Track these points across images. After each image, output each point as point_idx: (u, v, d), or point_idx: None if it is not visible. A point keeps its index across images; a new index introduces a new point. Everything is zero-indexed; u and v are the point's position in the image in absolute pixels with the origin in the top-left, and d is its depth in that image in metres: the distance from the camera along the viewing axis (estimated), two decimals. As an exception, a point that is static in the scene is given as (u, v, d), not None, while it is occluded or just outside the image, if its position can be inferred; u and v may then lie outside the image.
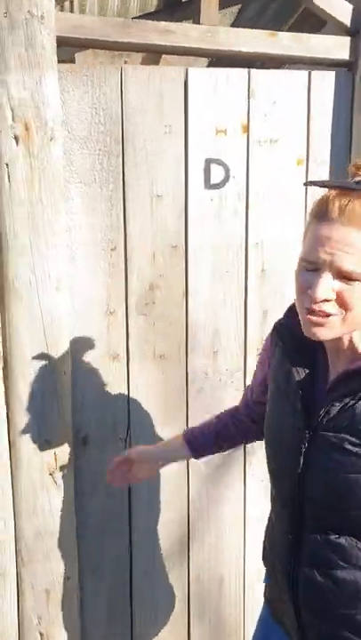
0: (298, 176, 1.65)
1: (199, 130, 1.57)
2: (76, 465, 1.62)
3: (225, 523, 1.78)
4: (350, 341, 1.03)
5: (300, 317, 1.01)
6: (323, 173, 1.66)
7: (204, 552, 1.78)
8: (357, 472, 0.98)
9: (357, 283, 0.93)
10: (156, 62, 2.96)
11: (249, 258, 1.66)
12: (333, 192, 0.97)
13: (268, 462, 1.15)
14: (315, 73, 1.61)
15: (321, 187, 1.02)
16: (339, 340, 1.02)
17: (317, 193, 1.01)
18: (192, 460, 1.69)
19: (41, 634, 1.62)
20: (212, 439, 1.35)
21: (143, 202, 1.58)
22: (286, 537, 1.09)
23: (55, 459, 1.55)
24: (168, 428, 1.68)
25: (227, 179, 1.60)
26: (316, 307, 0.94)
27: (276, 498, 1.13)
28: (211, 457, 1.45)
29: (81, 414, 1.62)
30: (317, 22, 2.29)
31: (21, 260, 1.41)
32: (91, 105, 1.52)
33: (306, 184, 1.14)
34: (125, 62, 3.14)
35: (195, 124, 1.57)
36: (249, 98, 1.58)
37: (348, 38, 1.59)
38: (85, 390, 1.62)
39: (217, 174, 1.60)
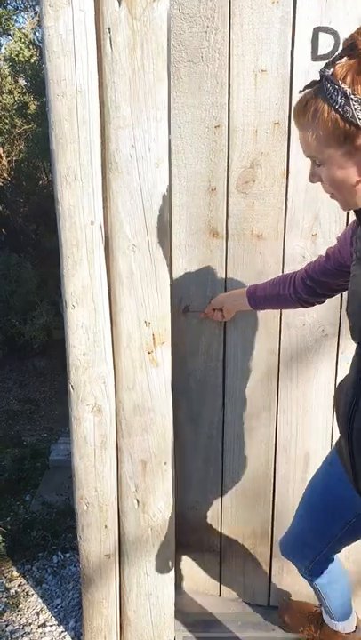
0: None
1: (309, -4, 1.51)
2: (179, 331, 1.79)
3: (312, 403, 1.85)
4: None
5: None
6: None
7: (291, 426, 1.87)
8: None
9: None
10: None
11: (356, 136, 1.59)
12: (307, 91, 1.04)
13: (352, 318, 1.23)
14: None
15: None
16: None
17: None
18: (285, 339, 1.77)
19: (137, 501, 1.70)
20: (265, 298, 1.60)
21: (247, 78, 1.59)
22: (356, 384, 1.23)
23: (153, 338, 1.57)
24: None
25: (336, 48, 1.53)
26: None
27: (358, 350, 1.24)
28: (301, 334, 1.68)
29: (181, 286, 1.77)
30: None
31: (122, 132, 1.40)
32: (199, -21, 1.54)
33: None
34: None
35: (305, -10, 1.51)
36: None
37: None
38: (186, 264, 1.76)
39: (325, 44, 1.54)
